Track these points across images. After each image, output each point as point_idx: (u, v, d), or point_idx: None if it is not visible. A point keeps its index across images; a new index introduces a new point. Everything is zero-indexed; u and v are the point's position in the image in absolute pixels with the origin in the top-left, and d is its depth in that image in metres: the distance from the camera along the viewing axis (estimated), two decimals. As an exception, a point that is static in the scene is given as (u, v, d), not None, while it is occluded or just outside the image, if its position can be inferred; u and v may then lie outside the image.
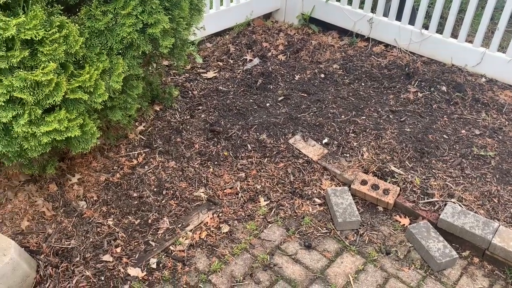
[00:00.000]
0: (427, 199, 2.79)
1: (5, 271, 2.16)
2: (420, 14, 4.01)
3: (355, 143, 3.21)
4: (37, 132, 2.04)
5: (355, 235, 2.67)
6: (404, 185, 2.88)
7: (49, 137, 2.07)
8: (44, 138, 2.06)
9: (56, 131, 2.07)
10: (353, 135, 3.29)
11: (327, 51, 4.30)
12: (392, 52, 4.23)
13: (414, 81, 3.85)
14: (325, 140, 3.24)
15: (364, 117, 3.45)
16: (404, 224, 2.73)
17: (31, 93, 2.00)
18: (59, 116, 2.07)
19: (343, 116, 3.46)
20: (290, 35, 4.58)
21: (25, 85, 1.97)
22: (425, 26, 4.11)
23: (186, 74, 3.96)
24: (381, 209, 2.82)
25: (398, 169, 2.99)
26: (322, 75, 3.98)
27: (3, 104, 1.97)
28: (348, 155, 3.12)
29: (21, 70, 1.98)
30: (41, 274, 2.35)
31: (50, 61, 2.01)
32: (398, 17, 4.19)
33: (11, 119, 2.01)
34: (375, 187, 2.85)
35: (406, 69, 3.99)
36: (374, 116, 3.47)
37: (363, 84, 3.86)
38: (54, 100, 2.04)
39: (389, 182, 2.89)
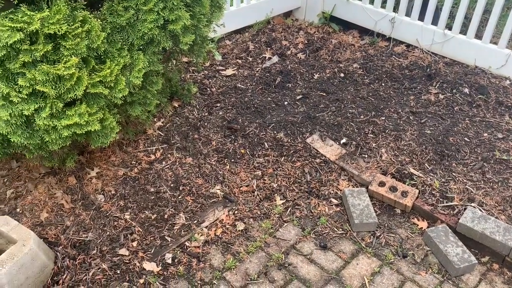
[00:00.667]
0: (446, 202, 2.74)
1: (25, 261, 2.20)
2: (443, 14, 3.93)
3: (373, 144, 3.17)
4: (58, 125, 2.07)
5: (372, 237, 2.64)
6: (423, 188, 2.83)
7: (70, 130, 2.10)
8: (65, 131, 2.09)
9: (76, 124, 2.10)
10: (372, 135, 3.25)
11: (347, 50, 4.26)
12: (413, 53, 4.17)
13: (435, 82, 3.78)
14: (343, 140, 3.21)
15: (383, 118, 3.41)
16: (422, 227, 2.68)
17: (53, 87, 2.02)
18: (80, 110, 2.09)
19: (362, 116, 3.43)
20: (310, 33, 4.55)
21: (48, 78, 2.00)
22: (448, 27, 4.04)
23: (205, 71, 3.97)
24: (399, 212, 2.78)
25: (417, 171, 2.94)
26: (342, 75, 3.94)
27: (25, 97, 2.01)
28: (366, 156, 3.08)
29: (44, 64, 2.01)
30: (59, 265, 2.39)
31: (72, 56, 2.03)
32: (421, 17, 4.12)
33: (33, 112, 2.04)
34: (393, 189, 2.81)
35: (428, 70, 3.92)
36: (394, 117, 3.42)
37: (383, 84, 3.81)
38: (76, 94, 2.06)
39: (407, 184, 2.85)
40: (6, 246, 2.30)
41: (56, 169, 2.87)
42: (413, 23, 4.15)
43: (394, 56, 4.15)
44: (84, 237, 2.55)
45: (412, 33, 4.19)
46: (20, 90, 2.00)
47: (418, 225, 2.70)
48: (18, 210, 2.66)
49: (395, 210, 2.79)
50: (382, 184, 2.84)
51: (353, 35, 4.53)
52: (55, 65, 2.01)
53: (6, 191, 2.76)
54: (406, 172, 2.93)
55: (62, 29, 1.97)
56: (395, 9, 4.27)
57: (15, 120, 2.04)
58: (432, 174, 2.92)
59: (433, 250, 2.56)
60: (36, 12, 1.96)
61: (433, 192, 2.80)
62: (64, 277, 2.35)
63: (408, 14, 4.23)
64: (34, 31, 1.94)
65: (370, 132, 3.27)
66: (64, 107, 2.10)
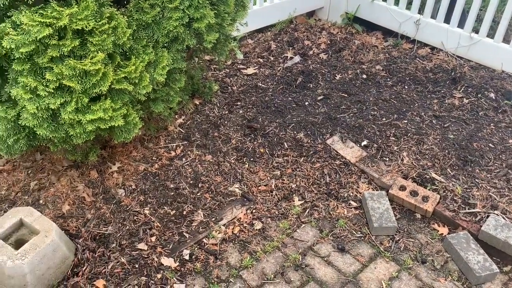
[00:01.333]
0: (469, 209, 2.69)
1: (46, 251, 2.24)
2: (470, 17, 3.86)
3: (395, 147, 3.13)
4: (83, 120, 2.11)
5: (391, 241, 2.61)
6: (444, 193, 2.78)
7: (94, 125, 2.13)
8: (89, 125, 2.12)
9: (100, 119, 2.13)
10: (393, 138, 3.21)
11: (370, 51, 4.22)
12: (438, 56, 4.10)
13: (460, 86, 3.71)
14: (364, 143, 3.18)
15: (406, 121, 3.36)
16: (442, 233, 2.64)
17: (79, 82, 2.06)
18: (105, 105, 2.12)
19: (384, 119, 3.39)
20: (332, 33, 4.52)
21: (74, 73, 2.03)
22: (475, 30, 3.96)
23: (226, 70, 3.98)
24: (419, 217, 2.75)
25: (439, 176, 2.89)
26: (364, 76, 3.90)
27: (52, 91, 2.04)
28: (387, 159, 3.05)
29: (71, 59, 2.04)
30: (79, 257, 2.43)
31: (99, 51, 2.06)
32: (447, 20, 4.05)
33: (59, 106, 2.08)
34: (414, 193, 2.77)
35: (453, 73, 3.85)
36: (416, 121, 3.37)
37: (406, 87, 3.76)
38: (101, 90, 2.09)
39: (428, 189, 2.81)
40: (29, 236, 2.35)
41: (79, 163, 2.92)
42: (439, 25, 4.08)
43: (418, 59, 4.09)
44: (104, 230, 2.59)
45: (437, 36, 4.12)
46: (47, 84, 2.03)
47: (438, 231, 2.66)
48: (41, 201, 2.72)
49: (415, 215, 2.76)
50: (402, 188, 2.81)
51: (376, 37, 4.48)
52: (81, 61, 2.04)
53: (30, 183, 2.82)
54: (428, 176, 2.89)
55: (89, 25, 2.01)
56: (421, 11, 4.21)
57: (41, 114, 2.09)
58: (454, 180, 2.87)
59: (453, 257, 2.51)
60: (65, 8, 1.99)
61: (455, 198, 2.75)
62: (83, 269, 2.39)
63: (433, 16, 4.16)
64: (63, 26, 1.98)
65: (391, 135, 3.23)
66: (89, 102, 2.13)
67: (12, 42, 1.93)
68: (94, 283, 2.34)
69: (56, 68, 2.02)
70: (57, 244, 2.29)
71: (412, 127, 3.31)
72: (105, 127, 2.16)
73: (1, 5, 1.98)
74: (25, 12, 1.95)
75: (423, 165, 2.98)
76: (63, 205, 2.69)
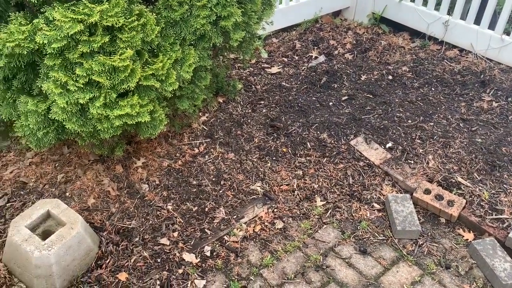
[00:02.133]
0: (496, 215, 2.63)
1: (72, 243, 2.29)
2: (502, 18, 3.76)
3: (420, 150, 3.08)
4: (111, 115, 2.14)
5: (414, 245, 2.57)
6: (470, 198, 2.73)
7: (121, 120, 2.16)
8: (117, 121, 2.15)
9: (128, 115, 2.17)
10: (419, 141, 3.16)
11: (397, 52, 4.16)
12: (467, 58, 4.01)
13: (489, 90, 3.63)
14: (389, 144, 3.14)
15: (432, 124, 3.30)
16: (467, 239, 2.59)
17: (108, 78, 2.09)
18: (132, 101, 2.16)
19: (409, 121, 3.34)
20: (358, 34, 4.47)
21: (103, 69, 2.07)
22: (506, 32, 3.86)
23: (251, 68, 3.99)
24: (444, 221, 2.70)
25: (466, 180, 2.83)
26: (390, 77, 3.85)
27: (82, 86, 2.09)
28: (412, 161, 3.00)
29: (101, 55, 2.08)
30: (103, 250, 2.48)
31: (128, 48, 2.10)
32: (477, 21, 3.96)
33: (88, 101, 2.12)
34: (439, 197, 2.72)
35: (482, 76, 3.76)
36: (443, 123, 3.31)
37: (433, 89, 3.69)
38: (129, 86, 2.13)
39: (454, 194, 2.75)
40: (55, 228, 2.41)
41: (104, 157, 2.97)
42: (468, 27, 3.99)
43: (446, 61, 4.01)
44: (127, 224, 2.63)
45: (467, 37, 4.03)
46: (77, 79, 2.08)
47: (463, 236, 2.60)
48: (67, 194, 2.78)
49: (439, 219, 2.71)
50: (427, 191, 2.76)
51: (403, 37, 4.41)
52: (111, 57, 2.08)
53: (57, 175, 2.88)
54: (454, 180, 2.84)
55: (119, 22, 2.04)
56: (450, 11, 4.12)
57: (70, 108, 2.13)
58: (481, 185, 2.80)
59: (478, 264, 2.46)
60: (96, 4, 2.03)
61: (481, 203, 2.69)
62: (107, 261, 2.43)
63: (463, 17, 4.07)
64: (93, 23, 2.01)
65: (417, 137, 3.18)
66: (117, 98, 2.17)
67: (44, 37, 1.98)
68: (117, 276, 2.38)
69: (86, 63, 2.06)
70: (82, 236, 2.34)
71: (439, 130, 3.25)
72: (132, 122, 2.19)
73: (35, 1, 2.03)
74: (58, 8, 2.00)
75: (449, 168, 2.93)
76: (89, 198, 2.75)
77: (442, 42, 4.21)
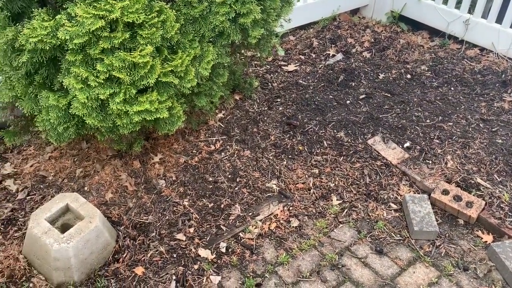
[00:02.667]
0: (516, 217, 2.58)
1: (90, 237, 2.32)
2: (525, 17, 3.69)
3: (439, 150, 3.04)
4: (130, 111, 2.16)
5: (431, 246, 2.54)
6: (490, 200, 2.68)
7: (140, 116, 2.18)
8: (136, 117, 2.17)
9: (147, 111, 2.18)
10: (437, 141, 3.12)
11: (416, 51, 4.11)
12: (487, 57, 3.95)
13: (510, 90, 3.56)
14: (407, 144, 3.11)
15: (451, 124, 3.26)
16: (486, 241, 2.55)
17: (128, 74, 2.11)
18: (151, 98, 2.17)
19: (428, 121, 3.30)
20: (377, 32, 4.43)
21: (124, 65, 2.09)
22: (529, 31, 3.78)
23: (267, 66, 3.98)
24: (462, 222, 2.66)
25: (485, 182, 2.79)
26: (409, 76, 3.81)
27: (102, 81, 2.11)
28: (430, 162, 2.97)
29: (121, 51, 2.10)
30: (120, 244, 2.50)
31: (148, 44, 2.11)
32: (499, 20, 3.89)
33: (108, 96, 2.14)
34: (457, 198, 2.69)
35: (503, 76, 3.70)
36: (462, 124, 3.26)
37: (452, 88, 3.64)
38: (148, 82, 2.14)
39: (473, 195, 2.71)
40: (74, 221, 2.44)
41: (122, 153, 3.00)
42: (490, 25, 3.93)
43: (466, 60, 3.95)
44: (144, 219, 2.65)
45: (488, 37, 3.96)
46: (98, 75, 2.10)
47: (482, 238, 2.57)
48: (85, 188, 2.82)
49: (457, 221, 2.67)
50: (445, 192, 2.73)
51: (422, 36, 4.36)
52: (131, 53, 2.10)
53: (75, 170, 2.93)
54: (473, 181, 2.79)
55: (140, 18, 2.05)
56: (471, 10, 4.06)
57: (91, 103, 2.16)
58: (501, 186, 2.76)
59: (497, 266, 2.42)
60: (117, 1, 2.05)
61: (501, 205, 2.65)
62: (124, 255, 2.46)
63: (484, 16, 4.00)
64: (114, 19, 2.03)
65: (436, 137, 3.14)
66: (136, 94, 2.19)
67: (66, 33, 2.01)
68: (134, 270, 2.40)
69: (106, 59, 2.08)
70: (100, 230, 2.37)
71: (458, 130, 3.20)
72: (150, 118, 2.21)
73: (58, -3, 2.06)
74: (80, 4, 2.02)
75: (468, 169, 2.88)
76: (107, 193, 2.78)
77: (462, 41, 4.15)
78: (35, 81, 2.30)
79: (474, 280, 2.37)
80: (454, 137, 3.14)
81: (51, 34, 2.03)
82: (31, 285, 2.31)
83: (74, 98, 2.18)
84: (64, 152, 3.04)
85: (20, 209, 2.68)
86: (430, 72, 3.83)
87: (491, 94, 3.55)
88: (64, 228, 2.38)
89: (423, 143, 3.11)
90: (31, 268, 2.38)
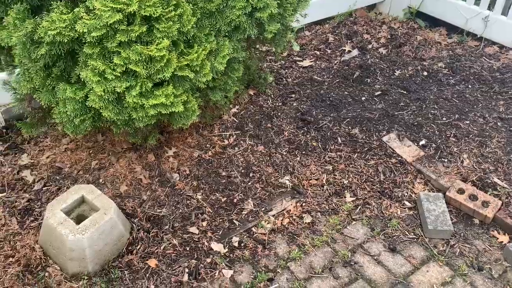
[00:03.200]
0: (533, 218, 2.54)
1: (105, 228, 2.35)
2: (546, 14, 3.61)
3: (455, 148, 3.00)
4: (146, 104, 2.18)
5: (445, 245, 2.52)
6: (507, 200, 2.64)
7: (156, 110, 2.19)
8: (151, 110, 2.19)
9: (162, 105, 2.19)
10: (454, 139, 3.08)
11: (433, 48, 4.05)
12: (507, 55, 3.88)
13: (530, 88, 3.50)
14: (423, 142, 3.07)
15: (468, 122, 3.21)
16: (502, 242, 2.51)
17: (144, 67, 2.12)
18: (167, 91, 2.18)
19: (444, 118, 3.25)
20: (393, 28, 4.38)
21: (140, 58, 2.10)
22: (551, 28, 3.71)
23: (282, 61, 3.97)
24: (477, 222, 2.63)
25: (502, 181, 2.75)
26: (425, 73, 3.76)
27: (119, 75, 2.13)
28: (446, 160, 2.93)
29: (138, 44, 2.11)
30: (134, 236, 2.53)
31: (164, 38, 2.12)
32: (519, 17, 3.82)
33: (125, 89, 2.16)
34: (473, 197, 2.65)
35: (522, 74, 3.63)
36: (479, 122, 3.21)
37: (470, 86, 3.58)
38: (164, 76, 2.15)
39: (489, 194, 2.68)
40: (89, 213, 2.47)
41: (137, 146, 3.02)
42: (510, 22, 3.85)
43: (484, 57, 3.88)
44: (158, 212, 2.67)
45: (508, 34, 3.89)
46: (115, 68, 2.12)
47: (498, 238, 2.53)
48: (100, 180, 2.85)
49: (473, 220, 2.64)
50: (461, 191, 2.69)
51: (440, 33, 4.29)
52: (147, 46, 2.11)
53: (91, 162, 2.96)
54: (489, 181, 2.75)
55: (157, 12, 2.06)
56: (490, 7, 3.99)
57: (107, 96, 2.18)
58: (518, 186, 2.72)
59: (513, 267, 2.39)
60: (135, -6, 2.05)
61: (518, 206, 2.61)
62: (138, 247, 2.48)
63: (504, 13, 3.93)
64: (132, 12, 2.04)
65: (452, 135, 3.10)
66: (152, 87, 2.20)
67: (84, 26, 2.02)
68: (147, 262, 2.42)
69: (123, 52, 2.09)
70: (114, 222, 2.40)
71: (475, 128, 3.16)
72: (166, 112, 2.22)
73: (76, -10, 2.08)
74: (98, -2, 2.04)
75: (484, 168, 2.84)
76: (121, 185, 2.81)
77: (481, 38, 4.08)
78: (53, 74, 2.33)
79: (489, 281, 2.35)
80: (471, 135, 3.09)
81: (69, 27, 2.05)
82: (46, 274, 2.35)
83: (91, 91, 2.20)
84: (80, 144, 3.08)
85: (36, 199, 2.72)
86: (447, 69, 3.78)
87: (509, 92, 3.48)
88: (79, 219, 2.41)
89: (439, 141, 3.07)
90: (46, 257, 2.42)
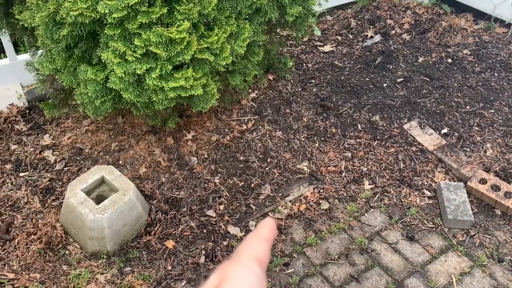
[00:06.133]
0: (558, 211, 2.47)
1: (124, 208, 2.39)
2: None
3: (478, 138, 2.93)
4: (165, 87, 2.18)
5: (465, 235, 2.48)
6: (530, 191, 2.58)
7: (175, 92, 2.19)
8: (171, 93, 2.19)
9: (182, 87, 2.19)
10: (477, 128, 3.01)
11: (458, 34, 3.94)
12: (536, 42, 3.75)
13: (559, 77, 3.38)
14: (445, 130, 3.01)
15: (492, 111, 3.13)
16: (524, 234, 2.46)
17: (165, 49, 2.12)
18: (187, 74, 2.18)
19: (468, 107, 3.18)
20: (418, 13, 4.27)
21: (160, 41, 2.09)
22: None
23: (303, 46, 3.92)
24: (499, 213, 2.57)
25: (526, 172, 2.68)
26: (449, 60, 3.67)
27: (139, 56, 2.13)
28: (468, 149, 2.87)
29: (159, 26, 2.10)
30: (152, 217, 2.56)
31: (185, 20, 2.11)
32: (551, 2, 3.67)
33: (145, 71, 2.16)
34: (495, 188, 2.60)
35: (552, 62, 3.51)
36: (504, 111, 3.13)
37: (496, 74, 3.48)
38: (184, 58, 2.14)
39: (513, 185, 2.62)
40: (108, 193, 2.51)
41: (156, 128, 3.04)
42: (540, 8, 3.71)
43: (512, 44, 3.76)
44: (176, 194, 2.70)
45: (538, 20, 3.76)
46: (135, 50, 2.12)
47: (520, 230, 2.48)
48: (120, 162, 2.88)
49: (494, 211, 2.59)
50: (483, 181, 2.64)
51: (466, 19, 4.17)
52: (168, 28, 2.10)
53: (111, 144, 2.99)
54: (513, 172, 2.69)
55: (178, -6, 2.05)
56: (521, -8, 3.84)
57: (128, 78, 2.18)
58: (543, 178, 2.65)
59: (534, 260, 2.34)
60: (156, -24, 2.04)
61: (542, 198, 2.54)
62: (156, 229, 2.51)
63: (535, -2, 3.79)
64: (153, -6, 2.03)
65: (475, 124, 3.03)
66: (172, 70, 2.20)
67: (106, 7, 2.02)
68: (165, 243, 2.46)
69: (144, 34, 2.09)
70: (133, 203, 2.43)
71: (499, 117, 3.07)
72: (185, 95, 2.22)
73: (98, -29, 2.07)
74: (119, -21, 2.03)
75: (508, 158, 2.77)
76: (140, 167, 2.83)
77: (509, 24, 3.94)
78: (75, 55, 2.34)
79: (509, 272, 2.31)
80: (495, 124, 3.02)
81: (91, 8, 2.05)
82: (67, 252, 2.41)
83: (112, 73, 2.21)
84: (100, 126, 3.11)
85: (57, 179, 2.77)
86: (472, 57, 3.68)
87: (537, 81, 3.38)
88: (99, 199, 2.45)
89: (462, 130, 3.00)
90: (67, 236, 2.48)
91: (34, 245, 2.41)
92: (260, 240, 0.54)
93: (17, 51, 3.43)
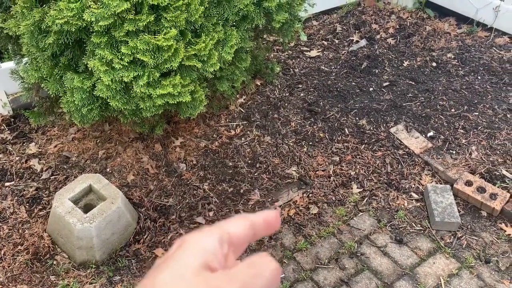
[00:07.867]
0: (542, 211, 2.52)
1: (112, 217, 2.37)
2: (559, 4, 3.55)
3: (463, 140, 2.98)
4: (153, 94, 2.17)
5: (452, 237, 2.51)
6: (515, 193, 2.63)
7: (163, 100, 2.19)
8: (159, 100, 2.18)
9: (169, 94, 2.19)
10: (462, 131, 3.05)
11: (442, 38, 4.01)
12: (517, 45, 3.82)
13: (540, 80, 3.45)
14: (430, 133, 3.05)
15: (477, 113, 3.18)
16: (509, 234, 2.50)
17: (152, 57, 2.11)
18: (174, 81, 2.17)
19: (453, 110, 3.23)
20: (402, 18, 4.33)
21: (148, 48, 2.09)
22: None
23: (289, 51, 3.94)
24: (485, 214, 2.62)
25: (511, 174, 2.73)
26: (434, 64, 3.72)
27: (126, 64, 2.12)
28: (454, 152, 2.91)
29: (146, 34, 2.10)
30: (141, 225, 2.54)
31: (172, 28, 2.10)
32: (531, 7, 3.75)
33: (132, 79, 2.15)
34: (481, 189, 2.64)
35: (533, 65, 3.58)
36: (488, 114, 3.18)
37: (479, 77, 3.54)
38: (171, 65, 2.14)
39: (498, 187, 2.66)
40: (96, 202, 2.48)
41: (144, 135, 3.03)
42: (521, 13, 3.79)
43: (494, 48, 3.83)
44: (165, 201, 2.69)
45: (518, 24, 3.83)
46: (122, 57, 2.11)
47: (505, 231, 2.52)
48: (108, 169, 2.86)
49: (480, 213, 2.63)
50: (469, 183, 2.68)
51: (449, 23, 4.24)
52: (155, 36, 2.09)
53: (98, 151, 2.97)
54: (498, 173, 2.74)
55: (165, 1, 2.04)
56: (501, -4, 3.92)
57: (115, 86, 2.17)
58: (527, 179, 2.70)
59: (520, 260, 2.38)
60: (142, -17, 2.04)
61: (526, 198, 2.59)
62: (144, 237, 2.50)
63: (516, 2, 3.87)
64: (140, 1, 2.03)
65: (460, 127, 3.08)
66: (159, 77, 2.19)
67: (92, 15, 2.01)
68: (154, 251, 2.44)
69: (131, 42, 2.08)
70: (122, 212, 2.41)
71: (484, 120, 3.13)
72: (173, 102, 2.21)
73: (84, -21, 2.06)
74: (105, -14, 2.02)
75: (493, 160, 2.82)
76: (128, 174, 2.81)
77: (491, 28, 4.02)
78: (61, 63, 2.32)
79: (496, 273, 2.34)
80: (480, 127, 3.07)
81: (77, 16, 2.03)
82: (54, 262, 2.38)
83: (99, 80, 2.19)
84: (87, 133, 3.09)
85: (44, 188, 2.74)
86: (456, 60, 3.74)
87: (519, 84, 3.45)
88: (87, 208, 2.42)
89: (447, 132, 3.05)
90: (55, 246, 2.44)
91: (21, 255, 2.37)
92: (242, 220, 0.50)
93: (1, 59, 3.39)
